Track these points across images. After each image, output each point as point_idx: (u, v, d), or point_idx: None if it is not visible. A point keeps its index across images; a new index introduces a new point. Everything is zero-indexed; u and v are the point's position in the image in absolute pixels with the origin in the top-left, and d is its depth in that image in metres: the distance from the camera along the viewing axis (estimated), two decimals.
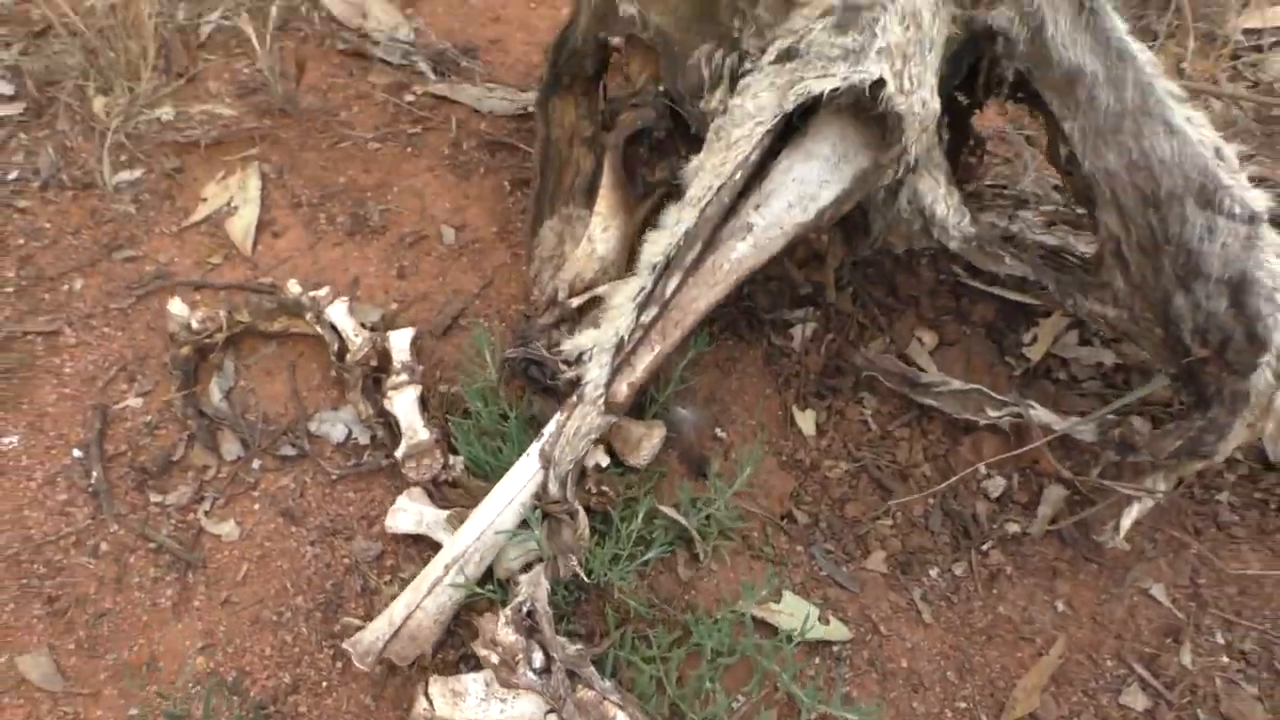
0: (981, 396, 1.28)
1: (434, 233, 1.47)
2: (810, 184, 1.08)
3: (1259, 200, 1.06)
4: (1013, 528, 1.26)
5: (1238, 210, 1.06)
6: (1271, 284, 1.06)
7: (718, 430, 1.32)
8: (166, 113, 1.58)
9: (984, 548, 1.25)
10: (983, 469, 1.30)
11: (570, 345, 1.10)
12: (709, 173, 1.06)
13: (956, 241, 1.17)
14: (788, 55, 1.04)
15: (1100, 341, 1.41)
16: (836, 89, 1.00)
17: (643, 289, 1.07)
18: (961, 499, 1.28)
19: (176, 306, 1.34)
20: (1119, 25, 1.06)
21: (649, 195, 1.29)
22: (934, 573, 1.23)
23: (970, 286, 1.44)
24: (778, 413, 1.35)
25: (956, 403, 1.29)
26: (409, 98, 1.61)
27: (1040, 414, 1.25)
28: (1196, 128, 1.07)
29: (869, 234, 1.21)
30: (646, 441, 1.23)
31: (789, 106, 1.03)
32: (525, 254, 1.41)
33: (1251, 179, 1.55)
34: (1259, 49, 1.82)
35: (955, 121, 1.33)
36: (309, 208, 1.50)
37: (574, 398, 1.09)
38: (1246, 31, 1.85)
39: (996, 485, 1.29)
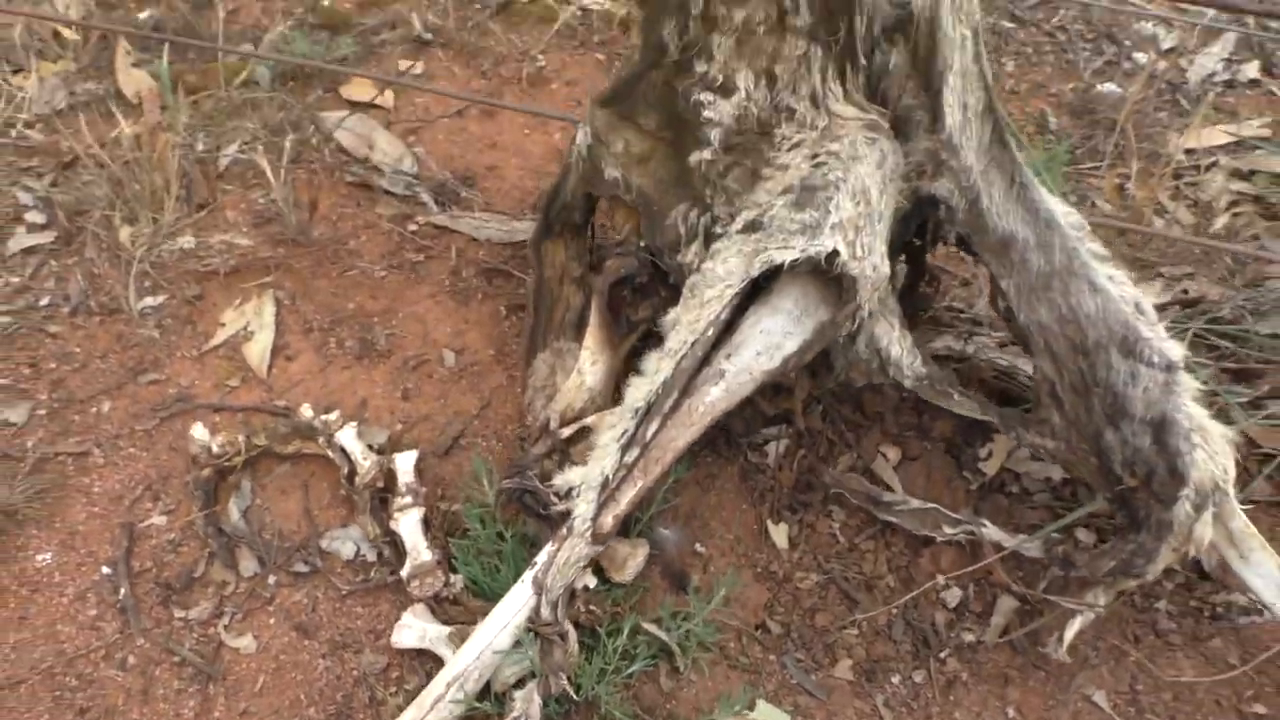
0: (938, 514, 1.40)
1: (435, 356, 1.59)
2: (776, 335, 1.21)
3: (1175, 350, 1.19)
4: (968, 637, 1.37)
5: (1156, 359, 1.18)
6: (1188, 425, 1.18)
7: (697, 545, 1.43)
8: (188, 241, 1.70)
9: (942, 655, 1.36)
10: (941, 580, 1.41)
11: (561, 480, 1.21)
12: (685, 327, 1.19)
13: (910, 380, 1.29)
14: (753, 226, 1.17)
15: None
16: (796, 259, 1.13)
17: (625, 431, 1.18)
18: (922, 609, 1.39)
19: (199, 431, 1.45)
20: (1046, 197, 1.20)
21: (633, 331, 1.41)
22: (896, 680, 1.34)
23: (931, 404, 1.56)
24: (753, 527, 1.46)
25: (915, 520, 1.41)
26: (412, 227, 1.74)
27: (991, 532, 1.37)
28: (1118, 285, 1.20)
29: (832, 370, 1.34)
30: (631, 560, 1.35)
31: (755, 273, 1.15)
32: (520, 377, 1.53)
33: (1188, 300, 1.70)
34: (1198, 169, 1.96)
35: (911, 259, 1.47)
36: (320, 332, 1.62)
37: (564, 530, 1.20)
38: (1188, 151, 2.00)
39: (954, 596, 1.40)
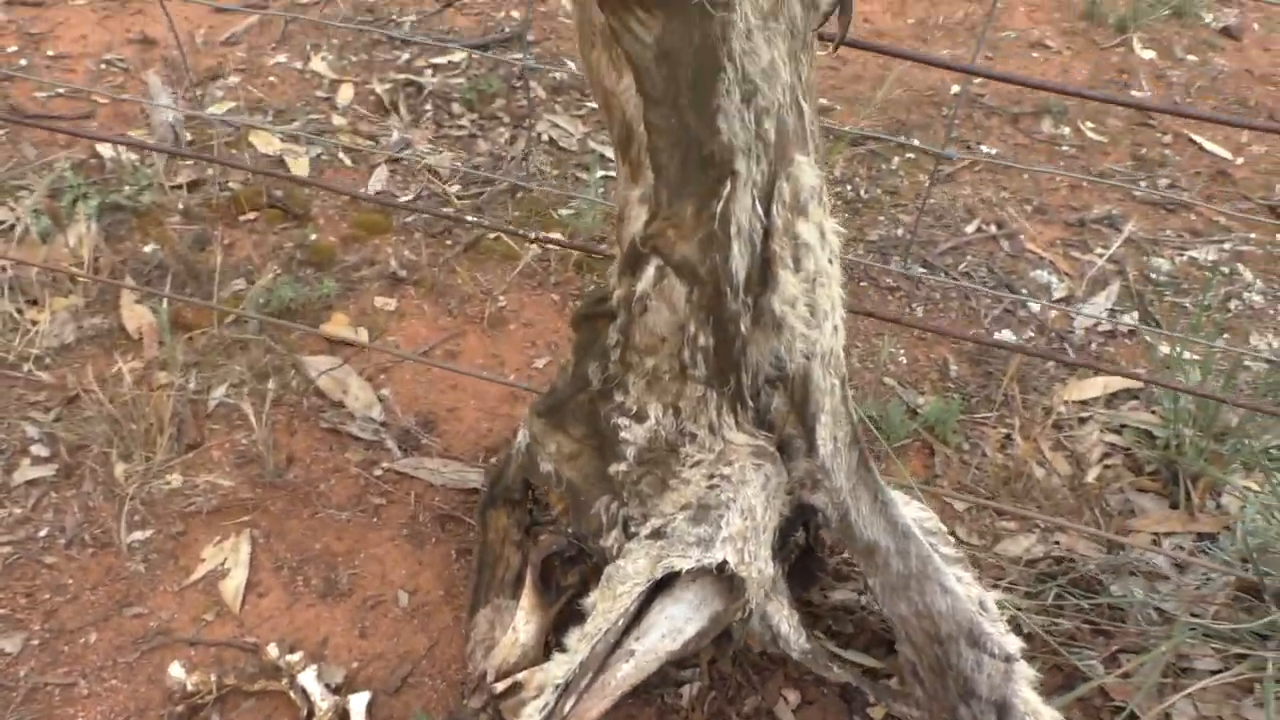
0: None
1: (391, 597, 1.79)
2: (678, 620, 1.42)
3: (1013, 643, 1.41)
4: None
5: (997, 651, 1.40)
6: (1024, 709, 1.40)
7: None
8: (176, 480, 1.92)
9: None
10: None
11: None
12: (600, 615, 1.40)
13: (796, 653, 1.51)
14: (658, 534, 1.40)
15: None
16: (693, 567, 1.35)
17: (546, 705, 1.38)
18: None
19: (175, 669, 1.64)
20: (904, 512, 1.44)
21: (562, 595, 1.62)
22: None
23: (828, 651, 1.77)
24: None
25: None
26: (377, 472, 1.96)
27: None
28: (965, 586, 1.43)
29: (732, 640, 1.55)
30: None
31: (658, 575, 1.37)
32: (466, 619, 1.73)
33: (1058, 557, 1.93)
34: (1078, 421, 2.22)
35: (806, 530, 1.70)
36: (289, 571, 1.82)
37: None
38: (1069, 403, 2.27)
39: None
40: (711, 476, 1.41)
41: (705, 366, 1.36)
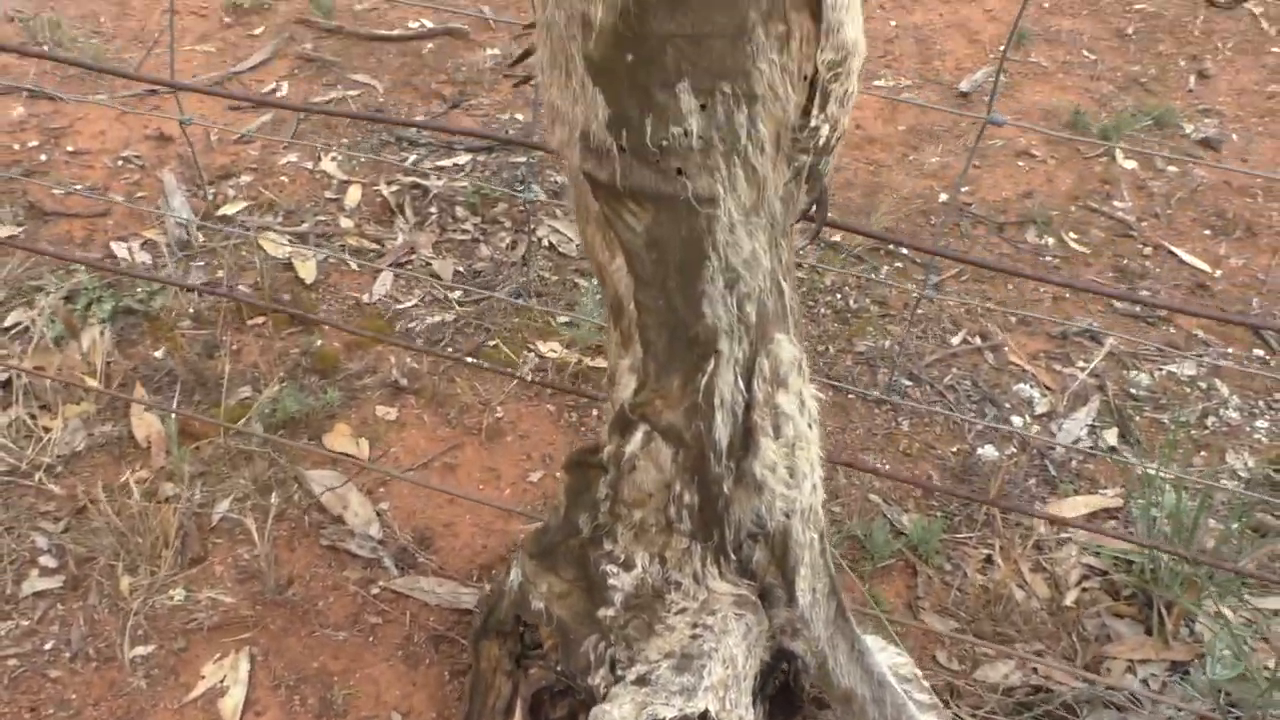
0: None
1: (385, 718, 1.84)
2: None
3: None
4: None
5: None
6: None
7: None
8: (179, 595, 1.98)
9: None
10: None
11: None
12: None
13: None
14: (643, 681, 1.46)
15: None
16: (675, 716, 1.41)
17: None
18: None
19: None
20: (880, 660, 1.50)
21: None
22: None
23: None
24: None
25: None
26: (374, 590, 2.02)
27: None
28: None
29: None
30: None
31: None
32: None
33: (1039, 685, 1.98)
34: (1054, 543, 2.29)
35: (788, 665, 1.75)
36: (286, 690, 1.87)
37: None
38: (1050, 522, 2.33)
39: None
40: (695, 625, 1.47)
41: (690, 521, 1.43)
